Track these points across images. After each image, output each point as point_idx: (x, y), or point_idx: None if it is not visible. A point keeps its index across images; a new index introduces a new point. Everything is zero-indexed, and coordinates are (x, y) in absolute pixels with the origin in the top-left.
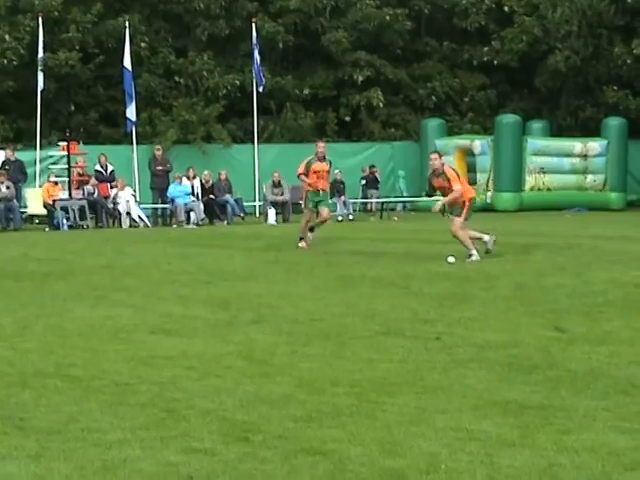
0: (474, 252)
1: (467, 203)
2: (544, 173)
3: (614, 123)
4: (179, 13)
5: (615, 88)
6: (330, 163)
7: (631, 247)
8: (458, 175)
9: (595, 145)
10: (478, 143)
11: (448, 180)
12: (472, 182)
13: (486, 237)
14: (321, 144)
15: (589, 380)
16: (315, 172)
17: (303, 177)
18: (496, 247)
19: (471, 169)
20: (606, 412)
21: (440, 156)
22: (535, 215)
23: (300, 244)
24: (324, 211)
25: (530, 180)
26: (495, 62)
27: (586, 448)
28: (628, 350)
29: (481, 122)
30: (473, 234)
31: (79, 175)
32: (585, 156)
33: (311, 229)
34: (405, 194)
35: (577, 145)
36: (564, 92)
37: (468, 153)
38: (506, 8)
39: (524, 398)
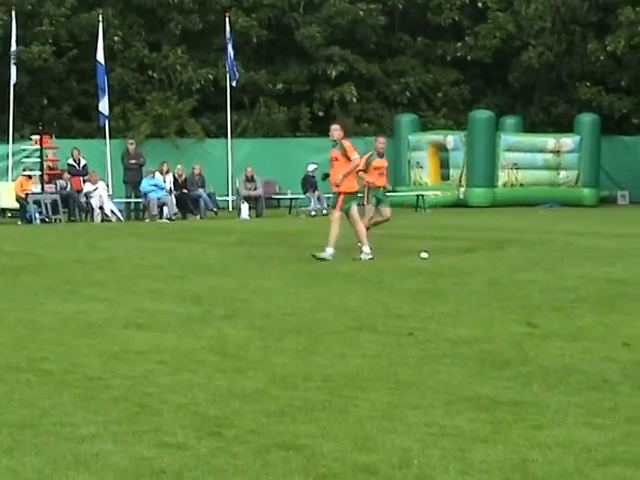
0: (367, 249)
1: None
2: (517, 169)
3: (587, 119)
4: (153, 7)
5: (588, 84)
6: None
7: (603, 243)
8: (354, 149)
9: (568, 141)
10: (451, 138)
11: (345, 151)
12: (445, 177)
13: (366, 248)
14: (382, 139)
15: (561, 376)
16: (376, 168)
17: (363, 174)
18: (367, 257)
19: (444, 164)
20: (578, 408)
21: (342, 129)
22: (508, 211)
23: (364, 252)
24: (386, 211)
25: (503, 176)
26: (469, 58)
27: (558, 444)
28: (600, 346)
29: (454, 118)
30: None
31: (49, 169)
32: (558, 152)
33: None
34: None
35: (550, 141)
36: (537, 88)
37: (441, 148)
38: (480, 4)
39: (497, 394)
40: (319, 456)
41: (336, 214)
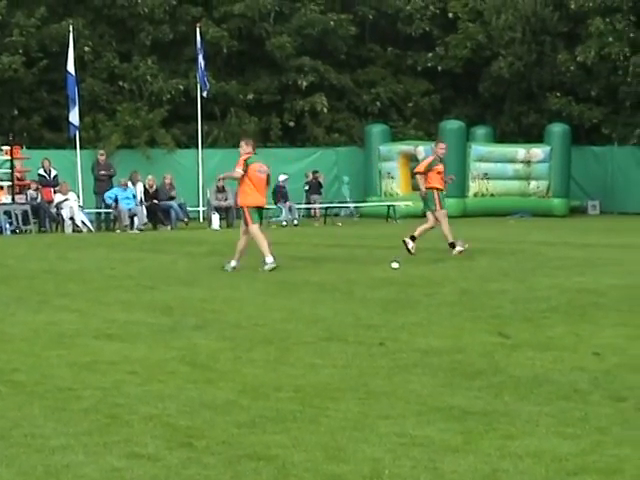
0: (269, 258)
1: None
2: (488, 179)
3: (557, 129)
4: (123, 18)
5: (558, 94)
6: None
7: (574, 253)
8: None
9: (538, 151)
10: (422, 149)
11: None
12: (416, 188)
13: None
14: (443, 145)
15: (532, 386)
16: (439, 173)
17: (420, 176)
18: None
19: (415, 175)
20: (549, 418)
21: (245, 145)
22: (479, 221)
23: (457, 248)
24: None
25: (474, 186)
26: (439, 68)
27: (529, 453)
28: (571, 356)
29: (425, 128)
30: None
31: (17, 180)
32: (528, 162)
33: (413, 238)
34: (349, 199)
35: (520, 151)
36: (508, 98)
37: (412, 159)
38: (450, 14)
39: (468, 404)
40: (290, 466)
41: (252, 228)
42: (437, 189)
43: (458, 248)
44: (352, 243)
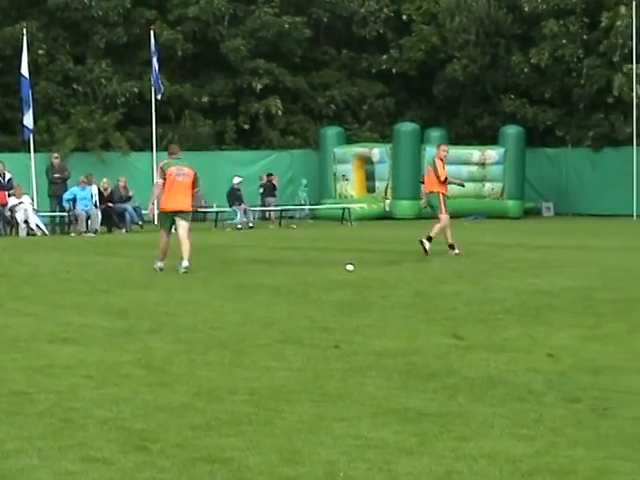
0: (159, 263)
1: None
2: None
3: (511, 131)
4: (77, 20)
5: (512, 97)
6: None
7: (528, 255)
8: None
9: (493, 153)
10: (377, 151)
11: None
12: (371, 190)
13: (159, 264)
14: (445, 147)
15: (487, 387)
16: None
17: (453, 179)
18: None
19: (370, 177)
20: (504, 419)
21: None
22: (433, 223)
23: (456, 251)
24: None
25: None
26: (394, 70)
27: (484, 455)
28: (525, 357)
29: (380, 130)
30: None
31: None
32: (483, 164)
33: (429, 239)
34: (303, 202)
35: (475, 153)
36: (462, 101)
37: (367, 161)
38: (404, 17)
39: (422, 406)
40: (245, 469)
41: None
42: (442, 193)
43: (457, 250)
44: (307, 245)
